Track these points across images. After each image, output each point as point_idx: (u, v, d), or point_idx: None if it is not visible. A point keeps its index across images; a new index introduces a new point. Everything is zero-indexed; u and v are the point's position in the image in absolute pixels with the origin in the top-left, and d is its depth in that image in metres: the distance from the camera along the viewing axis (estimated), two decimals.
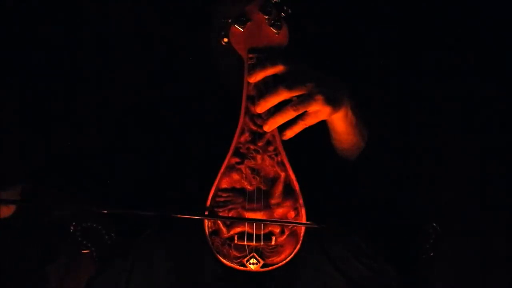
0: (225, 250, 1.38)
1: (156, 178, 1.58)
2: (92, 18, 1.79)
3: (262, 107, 1.36)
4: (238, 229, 1.39)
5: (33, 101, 1.83)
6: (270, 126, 1.37)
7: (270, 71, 1.37)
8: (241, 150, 1.41)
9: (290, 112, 1.34)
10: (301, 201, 1.38)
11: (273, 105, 1.35)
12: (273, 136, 1.40)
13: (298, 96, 1.33)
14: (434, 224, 1.53)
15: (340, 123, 1.42)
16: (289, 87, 1.33)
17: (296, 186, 1.39)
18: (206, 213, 1.37)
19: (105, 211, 1.41)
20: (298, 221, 1.38)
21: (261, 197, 1.39)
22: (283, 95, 1.33)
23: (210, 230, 1.39)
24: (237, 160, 1.40)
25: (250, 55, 1.40)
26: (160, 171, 1.58)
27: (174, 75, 1.58)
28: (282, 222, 1.38)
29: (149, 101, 1.59)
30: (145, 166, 1.59)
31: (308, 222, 1.36)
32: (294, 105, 1.34)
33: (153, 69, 1.59)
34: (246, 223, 1.38)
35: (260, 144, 1.41)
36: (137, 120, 1.60)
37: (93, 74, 1.72)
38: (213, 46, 1.56)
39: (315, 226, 1.35)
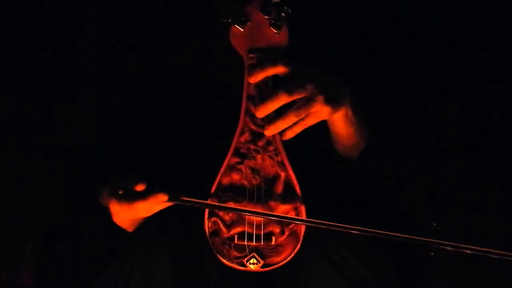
0: (225, 250, 1.38)
1: (156, 178, 1.58)
2: (93, 17, 1.79)
3: (262, 113, 1.35)
4: (238, 229, 1.39)
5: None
6: (271, 131, 1.36)
7: (270, 71, 1.37)
8: (241, 150, 1.41)
9: (292, 118, 1.33)
10: (301, 201, 1.39)
11: (273, 110, 1.35)
12: (273, 136, 1.40)
13: (298, 100, 1.33)
14: (434, 224, 1.53)
15: (340, 123, 1.42)
16: (289, 92, 1.33)
17: (296, 186, 1.39)
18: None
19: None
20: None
21: (261, 197, 1.39)
22: (283, 100, 1.33)
23: (210, 230, 1.39)
24: (237, 160, 1.41)
25: (250, 55, 1.40)
26: (160, 171, 1.58)
27: (175, 75, 1.57)
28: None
29: (148, 101, 1.59)
30: (144, 166, 1.59)
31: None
32: (295, 110, 1.33)
33: (153, 70, 1.59)
34: (246, 223, 1.38)
35: (260, 144, 1.41)
36: (135, 120, 1.60)
37: (96, 73, 1.72)
38: (213, 46, 1.56)
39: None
